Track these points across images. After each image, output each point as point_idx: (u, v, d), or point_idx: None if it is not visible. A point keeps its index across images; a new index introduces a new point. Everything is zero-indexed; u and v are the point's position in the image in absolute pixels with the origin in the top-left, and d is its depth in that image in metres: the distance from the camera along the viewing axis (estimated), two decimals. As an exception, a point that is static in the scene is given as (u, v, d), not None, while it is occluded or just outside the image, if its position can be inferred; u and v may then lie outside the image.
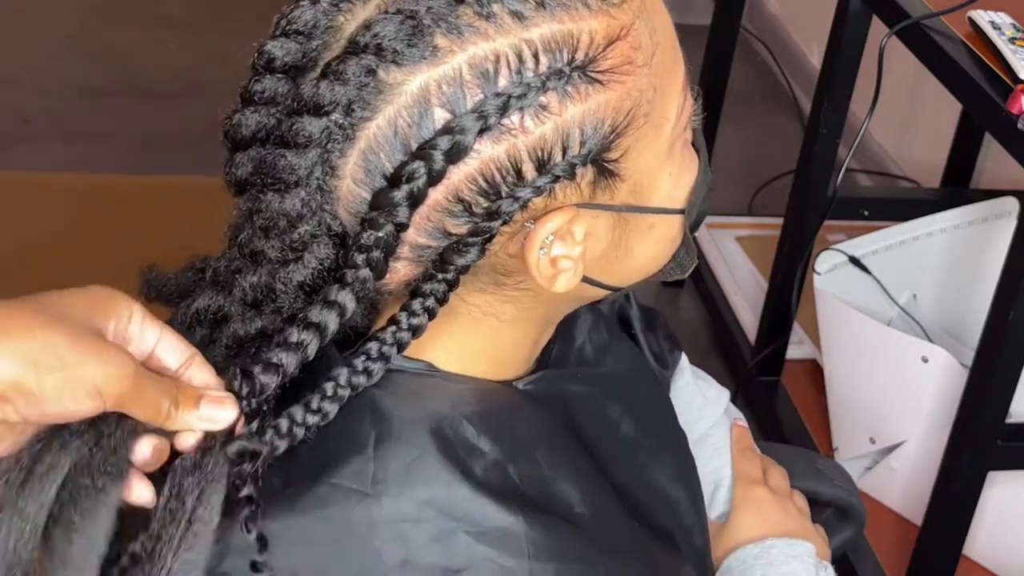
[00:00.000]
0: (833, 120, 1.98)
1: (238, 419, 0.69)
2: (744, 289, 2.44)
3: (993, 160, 2.49)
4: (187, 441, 0.68)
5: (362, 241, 0.69)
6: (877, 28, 1.80)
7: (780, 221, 2.16)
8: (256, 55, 0.71)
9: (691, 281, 2.59)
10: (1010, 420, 1.56)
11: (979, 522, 1.69)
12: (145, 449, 0.67)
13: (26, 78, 3.18)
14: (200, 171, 2.84)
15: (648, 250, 0.78)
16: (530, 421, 0.79)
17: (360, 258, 0.70)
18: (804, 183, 2.04)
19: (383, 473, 0.72)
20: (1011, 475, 1.75)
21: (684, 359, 1.07)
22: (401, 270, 0.73)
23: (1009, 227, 1.71)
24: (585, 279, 0.76)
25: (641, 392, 0.93)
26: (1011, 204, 2.10)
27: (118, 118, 3.07)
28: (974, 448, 1.57)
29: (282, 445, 0.71)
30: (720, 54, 2.47)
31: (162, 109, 3.13)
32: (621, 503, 0.82)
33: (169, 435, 0.68)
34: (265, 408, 0.71)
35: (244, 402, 0.70)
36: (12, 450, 0.65)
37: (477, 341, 0.79)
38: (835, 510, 1.10)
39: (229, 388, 0.70)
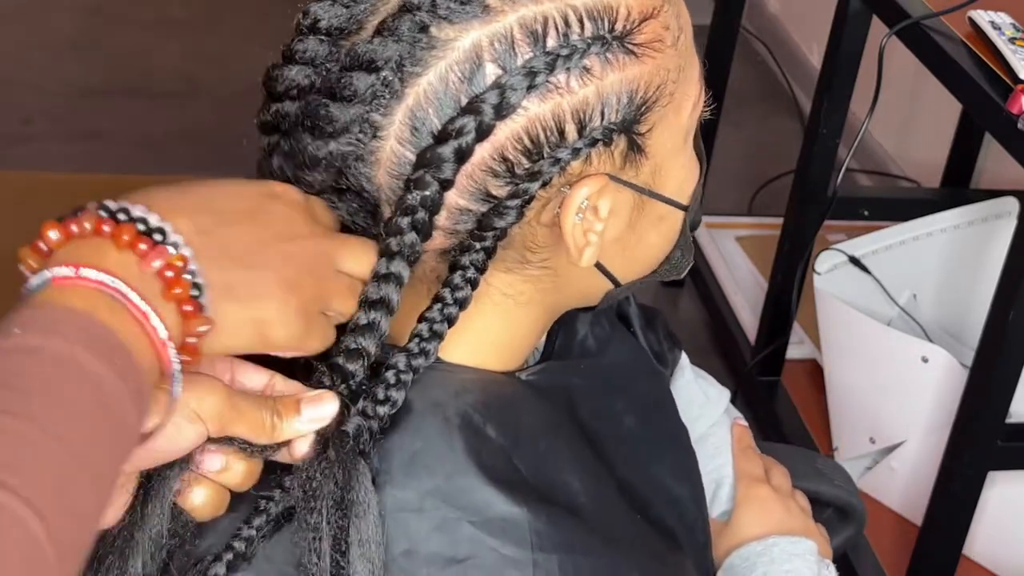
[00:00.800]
0: (833, 120, 1.98)
1: (340, 409, 0.71)
2: (744, 289, 2.44)
3: (993, 160, 2.49)
4: (301, 449, 0.70)
5: (407, 202, 0.71)
6: (877, 28, 1.80)
7: (780, 221, 2.16)
8: (301, 15, 0.73)
9: (691, 281, 2.59)
10: (1010, 420, 1.56)
11: (979, 522, 1.69)
12: (196, 499, 0.68)
13: (26, 78, 3.18)
14: (200, 171, 2.84)
15: (655, 240, 0.81)
16: (533, 411, 0.80)
17: (405, 221, 0.71)
18: (804, 183, 2.04)
19: (387, 464, 0.72)
20: (1011, 475, 1.75)
21: (684, 358, 1.07)
22: (436, 239, 0.73)
23: (1009, 227, 1.71)
24: (596, 264, 0.77)
25: (643, 385, 0.93)
26: (1011, 204, 2.10)
27: (118, 118, 3.07)
28: (974, 448, 1.57)
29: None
30: (720, 54, 2.47)
31: (162, 109, 3.13)
32: (624, 497, 0.83)
33: (268, 450, 0.69)
34: (364, 387, 0.72)
35: (343, 386, 0.71)
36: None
37: (489, 326, 0.79)
38: (835, 510, 1.10)
39: (321, 386, 0.71)
